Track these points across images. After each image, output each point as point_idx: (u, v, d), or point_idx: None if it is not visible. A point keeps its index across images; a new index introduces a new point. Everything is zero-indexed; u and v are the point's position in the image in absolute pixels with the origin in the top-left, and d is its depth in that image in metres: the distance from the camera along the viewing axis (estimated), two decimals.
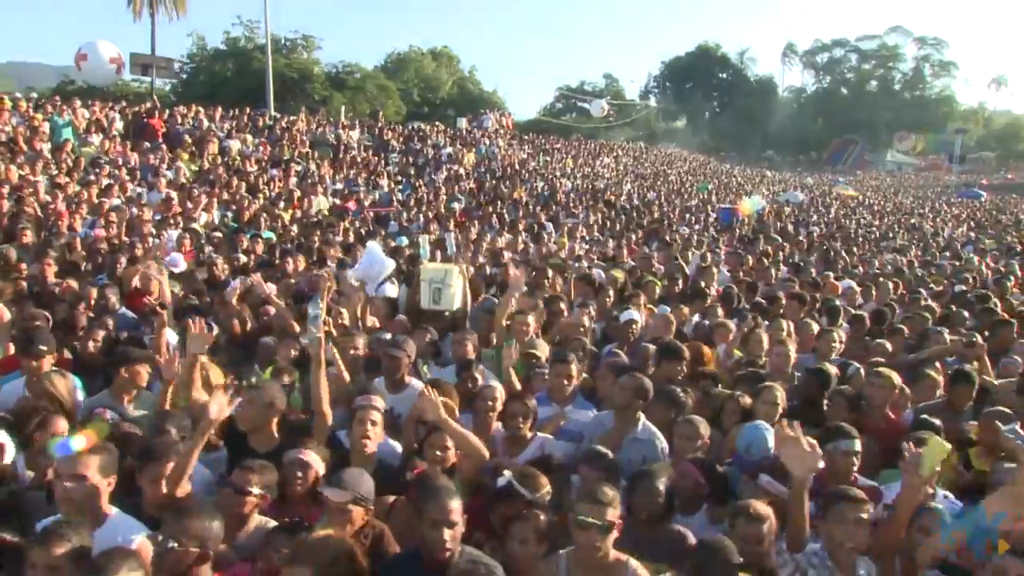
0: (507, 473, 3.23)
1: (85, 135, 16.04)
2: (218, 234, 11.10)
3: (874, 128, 75.14)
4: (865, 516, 2.88)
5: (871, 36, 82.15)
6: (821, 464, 2.97)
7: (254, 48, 38.28)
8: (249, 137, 19.33)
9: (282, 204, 14.33)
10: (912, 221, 24.88)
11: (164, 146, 16.77)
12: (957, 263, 14.21)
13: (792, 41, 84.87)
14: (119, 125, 16.97)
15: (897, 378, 4.82)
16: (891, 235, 20.24)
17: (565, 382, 4.59)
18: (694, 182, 34.83)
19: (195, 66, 40.44)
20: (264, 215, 12.92)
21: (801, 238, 16.78)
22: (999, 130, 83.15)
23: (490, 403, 4.34)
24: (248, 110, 22.20)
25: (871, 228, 21.96)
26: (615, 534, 2.85)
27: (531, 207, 18.75)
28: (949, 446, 3.11)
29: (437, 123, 30.79)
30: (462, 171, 22.96)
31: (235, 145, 18.60)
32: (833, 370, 5.22)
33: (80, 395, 4.63)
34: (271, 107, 25.79)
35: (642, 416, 4.25)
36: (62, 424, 4.04)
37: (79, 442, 3.22)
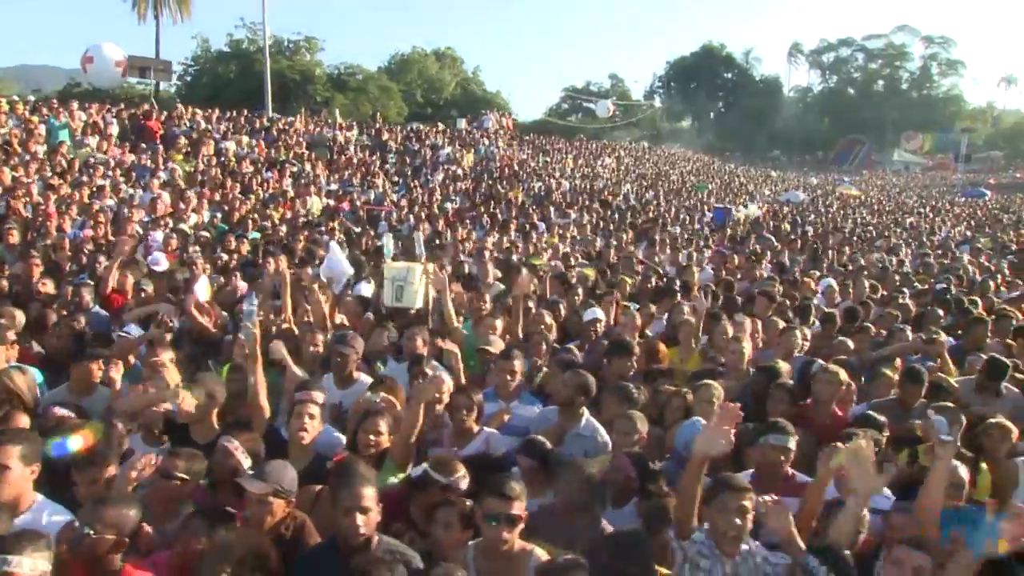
0: (423, 464, 3.31)
1: (82, 137, 16.24)
2: (206, 234, 11.28)
3: (881, 127, 74.82)
4: (748, 504, 2.91)
5: (878, 35, 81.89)
6: (724, 450, 2.99)
7: (257, 50, 38.55)
8: (245, 138, 19.51)
9: (274, 205, 14.51)
10: (910, 220, 24.81)
11: (161, 147, 16.99)
12: (946, 262, 14.19)
13: (798, 41, 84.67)
14: (115, 127, 17.15)
15: (844, 374, 4.87)
16: (886, 234, 20.19)
17: (508, 378, 4.67)
18: (696, 182, 34.84)
19: (199, 68, 40.77)
20: (255, 216, 13.09)
21: (794, 237, 16.78)
22: (1008, 129, 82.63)
23: (437, 395, 4.43)
24: (245, 111, 22.37)
25: (867, 227, 21.93)
26: (520, 527, 2.92)
27: (526, 207, 18.84)
28: (870, 453, 3.14)
29: (439, 123, 30.93)
30: (459, 171, 23.09)
31: (231, 146, 18.78)
32: (785, 367, 5.27)
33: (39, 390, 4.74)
34: (269, 108, 25.99)
35: (585, 412, 4.34)
36: (23, 419, 4.15)
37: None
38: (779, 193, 34.42)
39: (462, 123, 31.70)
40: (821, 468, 3.26)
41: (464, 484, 3.23)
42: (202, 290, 7.30)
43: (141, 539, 2.98)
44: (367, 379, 4.69)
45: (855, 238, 18.77)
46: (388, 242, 6.90)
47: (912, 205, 32.90)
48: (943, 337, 6.47)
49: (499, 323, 5.70)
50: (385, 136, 24.27)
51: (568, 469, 3.39)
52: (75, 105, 17.95)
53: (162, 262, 9.11)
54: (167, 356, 4.94)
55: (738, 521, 2.87)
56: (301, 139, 20.91)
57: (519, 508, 2.90)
